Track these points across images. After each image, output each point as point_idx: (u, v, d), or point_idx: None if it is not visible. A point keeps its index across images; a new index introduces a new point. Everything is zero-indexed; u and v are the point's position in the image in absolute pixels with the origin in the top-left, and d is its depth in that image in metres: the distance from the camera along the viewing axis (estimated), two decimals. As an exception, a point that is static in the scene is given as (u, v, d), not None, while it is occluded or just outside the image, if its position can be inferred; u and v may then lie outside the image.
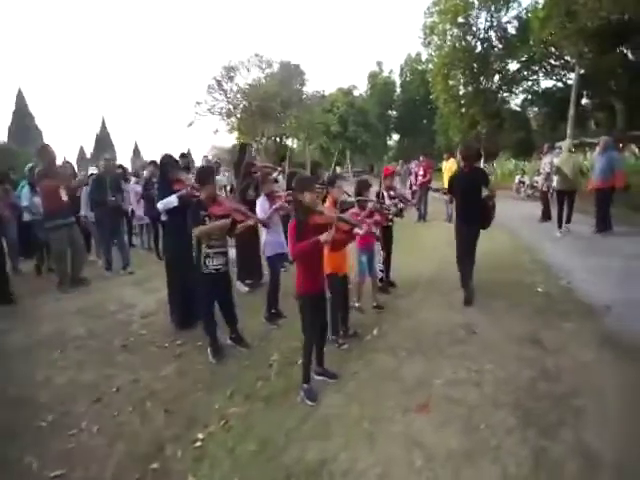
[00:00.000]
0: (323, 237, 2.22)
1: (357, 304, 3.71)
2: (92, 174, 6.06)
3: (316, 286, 2.43)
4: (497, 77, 22.08)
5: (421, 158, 10.52)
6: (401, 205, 4.16)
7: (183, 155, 6.08)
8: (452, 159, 8.79)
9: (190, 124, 21.81)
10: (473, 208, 3.71)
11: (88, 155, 53.84)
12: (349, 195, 3.45)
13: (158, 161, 4.14)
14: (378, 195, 3.55)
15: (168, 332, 3.46)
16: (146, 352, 3.14)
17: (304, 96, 26.73)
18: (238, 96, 21.45)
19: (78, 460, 2.06)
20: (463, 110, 22.42)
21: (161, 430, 2.25)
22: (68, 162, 7.78)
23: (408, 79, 36.40)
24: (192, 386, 2.66)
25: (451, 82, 21.95)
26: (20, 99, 47.36)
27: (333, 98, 35.61)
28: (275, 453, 2.01)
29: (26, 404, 2.52)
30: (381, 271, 4.23)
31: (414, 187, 10.53)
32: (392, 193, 4.18)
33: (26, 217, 5.55)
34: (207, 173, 2.95)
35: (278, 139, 37.86)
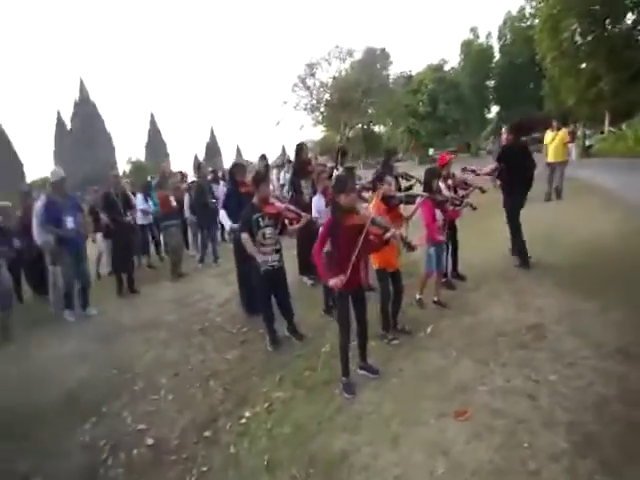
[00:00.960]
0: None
1: (418, 296, 3.55)
2: (193, 181, 7.03)
3: (351, 283, 2.43)
4: (630, 15, 17.57)
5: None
6: (462, 193, 3.82)
7: (263, 157, 6.62)
8: (563, 130, 7.51)
9: (278, 123, 23.33)
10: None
11: (201, 160, 62.45)
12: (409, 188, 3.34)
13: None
14: (427, 185, 3.34)
15: (238, 320, 3.89)
16: (217, 337, 3.60)
17: (390, 80, 25.92)
18: (320, 90, 22.06)
19: (156, 420, 2.54)
20: (580, 66, 18.58)
21: (218, 405, 2.60)
22: (181, 172, 8.98)
23: (508, 41, 31.73)
24: (249, 370, 2.97)
25: (563, 35, 18.35)
26: (153, 120, 57.60)
27: (421, 77, 33.45)
28: (305, 439, 2.13)
29: (126, 372, 3.18)
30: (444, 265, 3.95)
31: None
32: (450, 182, 3.85)
33: (139, 220, 6.80)
34: (260, 177, 3.19)
35: (365, 126, 37.53)
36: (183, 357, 3.31)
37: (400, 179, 4.64)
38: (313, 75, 21.66)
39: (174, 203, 5.65)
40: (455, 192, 3.94)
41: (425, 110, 31.57)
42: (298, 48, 73.92)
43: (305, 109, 22.31)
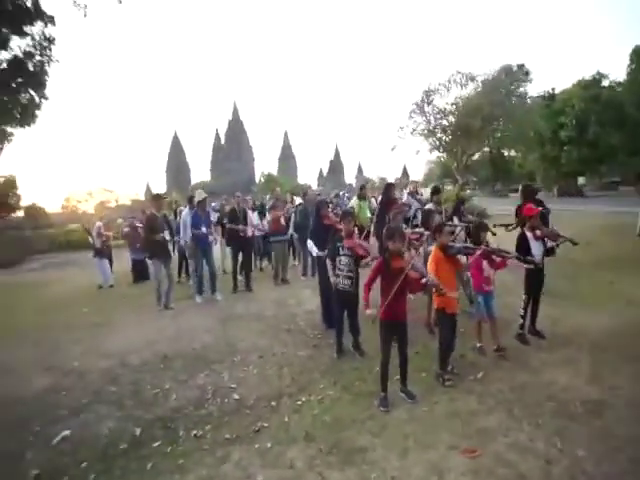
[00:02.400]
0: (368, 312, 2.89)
1: (478, 344, 3.70)
2: (299, 204, 8.36)
3: (390, 314, 2.92)
4: None
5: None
6: (551, 244, 3.79)
7: (362, 187, 7.47)
8: None
9: (393, 149, 23.80)
10: None
11: (324, 175, 68.00)
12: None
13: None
14: (475, 237, 3.53)
15: (317, 327, 4.68)
16: (298, 337, 4.47)
17: (527, 100, 23.49)
18: (437, 116, 21.61)
19: (243, 384, 3.50)
20: None
21: (285, 387, 3.40)
22: (291, 195, 10.51)
23: None
24: (314, 368, 3.70)
25: None
26: (286, 137, 66.12)
27: (566, 96, 29.07)
28: (338, 429, 2.71)
29: (231, 346, 4.33)
30: (521, 317, 3.91)
31: None
32: (538, 233, 3.83)
33: (256, 233, 8.43)
34: (346, 214, 3.96)
35: (493, 150, 34.50)
36: (270, 347, 4.27)
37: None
38: (430, 102, 21.37)
39: (283, 222, 6.98)
40: (544, 242, 3.89)
41: (568, 134, 27.11)
42: (426, 71, 73.44)
43: (421, 134, 22.14)
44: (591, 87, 28.76)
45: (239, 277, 6.81)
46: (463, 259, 3.97)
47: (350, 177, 70.83)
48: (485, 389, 3.03)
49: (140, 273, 8.49)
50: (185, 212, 6.94)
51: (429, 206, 5.03)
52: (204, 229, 6.32)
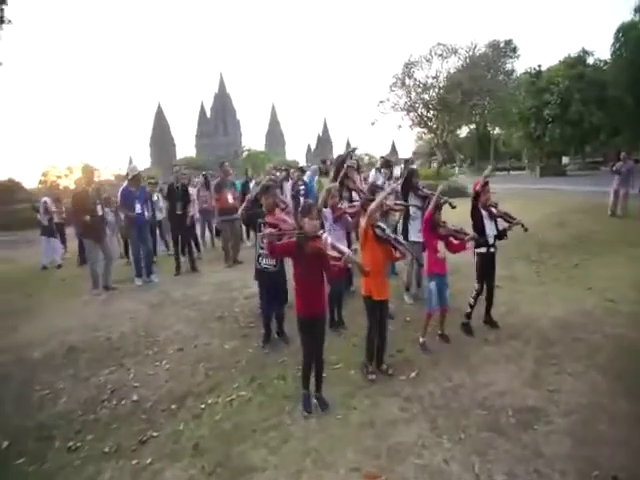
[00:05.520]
0: None
1: (422, 339, 3.31)
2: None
3: (307, 310, 2.47)
4: None
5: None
6: (504, 226, 3.39)
7: (323, 161, 6.83)
8: None
9: (373, 123, 22.86)
10: None
11: (312, 151, 66.38)
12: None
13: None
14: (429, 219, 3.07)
15: (251, 315, 4.23)
16: (227, 326, 4.03)
17: (513, 77, 22.70)
18: (419, 90, 20.65)
19: (148, 382, 3.06)
20: None
21: (194, 386, 2.97)
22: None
23: None
24: (234, 363, 3.27)
25: None
26: (273, 112, 63.85)
27: (552, 74, 28.25)
28: (233, 441, 2.31)
29: (149, 337, 3.87)
30: (470, 305, 3.54)
31: None
32: (493, 211, 3.40)
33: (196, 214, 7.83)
34: (265, 188, 3.40)
35: (480, 128, 33.88)
36: (194, 337, 3.82)
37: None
38: (411, 75, 20.33)
39: (231, 201, 6.38)
40: (496, 223, 3.48)
41: (552, 113, 26.55)
42: (410, 42, 70.75)
43: (403, 109, 21.21)
44: (576, 65, 28.07)
45: (182, 258, 6.26)
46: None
47: (339, 151, 69.53)
48: (414, 392, 2.65)
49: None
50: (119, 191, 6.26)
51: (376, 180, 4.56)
52: (138, 207, 5.72)
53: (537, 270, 5.34)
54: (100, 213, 5.58)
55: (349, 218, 3.55)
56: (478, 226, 3.47)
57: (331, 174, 4.43)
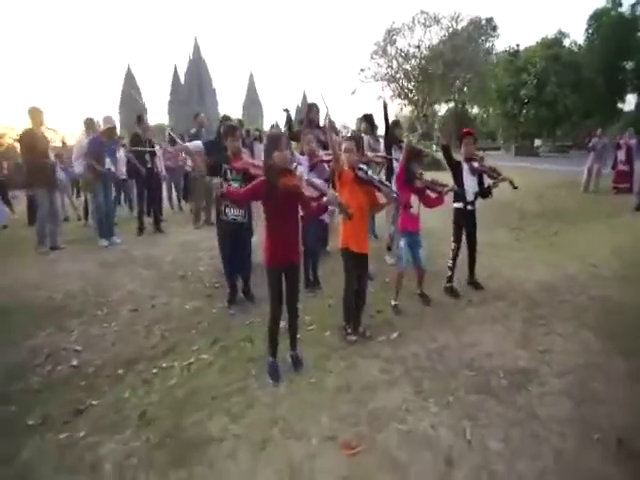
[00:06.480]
0: None
1: (394, 302, 3.04)
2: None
3: (281, 258, 2.11)
4: None
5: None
6: (489, 182, 3.09)
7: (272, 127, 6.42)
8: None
9: (353, 92, 22.03)
10: None
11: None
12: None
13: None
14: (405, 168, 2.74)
15: (219, 274, 3.80)
16: (190, 286, 3.61)
17: (493, 55, 22.47)
18: (400, 60, 19.99)
19: (92, 345, 2.63)
20: None
21: (147, 349, 2.58)
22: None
23: None
24: (195, 324, 2.89)
25: None
26: (251, 80, 60.63)
27: (530, 54, 28.20)
28: (188, 409, 1.97)
29: (100, 297, 3.40)
30: (449, 268, 3.30)
31: (620, 167, 8.63)
32: (475, 165, 3.10)
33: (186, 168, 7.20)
34: (229, 129, 2.93)
35: (460, 105, 33.70)
36: (151, 297, 3.38)
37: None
38: (393, 43, 19.58)
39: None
40: (480, 178, 3.20)
41: (528, 93, 26.70)
42: (390, 9, 68.35)
43: (384, 79, 20.51)
44: (552, 46, 28.11)
45: (145, 218, 5.66)
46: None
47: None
48: (395, 353, 2.40)
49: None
50: (82, 139, 5.50)
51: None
52: (108, 162, 5.11)
53: (517, 237, 5.23)
54: (53, 161, 4.86)
55: (326, 166, 3.15)
56: (457, 180, 3.18)
57: (304, 122, 3.97)
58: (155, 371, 2.33)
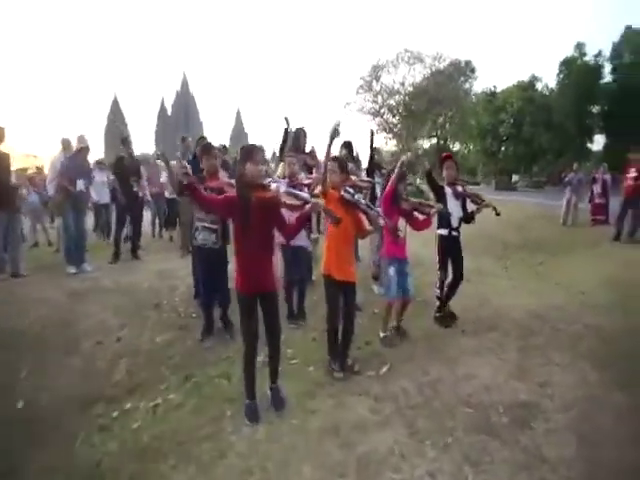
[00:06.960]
0: None
1: (382, 334, 2.85)
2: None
3: (246, 286, 1.94)
4: None
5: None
6: (473, 207, 3.07)
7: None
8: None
9: (338, 124, 22.95)
10: None
11: (277, 156, 66.13)
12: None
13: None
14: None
15: (193, 304, 3.57)
16: (164, 316, 3.35)
17: (472, 95, 24.05)
18: (385, 95, 21.13)
19: (48, 383, 2.32)
20: None
21: (109, 388, 2.29)
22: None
23: (627, 61, 26.77)
24: (166, 359, 2.63)
25: None
26: (238, 117, 62.77)
27: (506, 95, 30.26)
28: (151, 458, 1.69)
29: (67, 328, 3.08)
30: (437, 297, 3.19)
31: (597, 200, 8.95)
32: (458, 189, 3.08)
33: (167, 194, 7.03)
34: (206, 148, 2.86)
35: (442, 141, 35.40)
36: (119, 328, 3.10)
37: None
38: (378, 79, 20.81)
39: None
40: (464, 203, 3.16)
41: (507, 131, 28.38)
42: (373, 48, 73.40)
43: (369, 113, 21.53)
44: (527, 89, 30.41)
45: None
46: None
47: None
48: (385, 390, 2.19)
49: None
50: (55, 160, 5.31)
51: None
52: (80, 183, 4.87)
53: (504, 266, 5.21)
54: (16, 183, 4.62)
55: (306, 190, 3.07)
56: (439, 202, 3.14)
57: (288, 146, 3.95)
58: (115, 414, 2.04)
